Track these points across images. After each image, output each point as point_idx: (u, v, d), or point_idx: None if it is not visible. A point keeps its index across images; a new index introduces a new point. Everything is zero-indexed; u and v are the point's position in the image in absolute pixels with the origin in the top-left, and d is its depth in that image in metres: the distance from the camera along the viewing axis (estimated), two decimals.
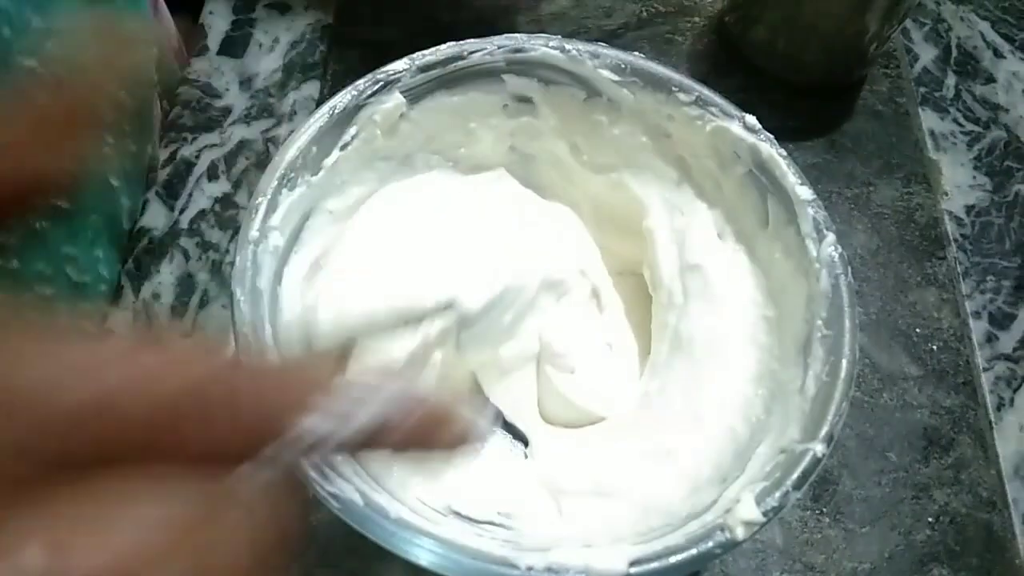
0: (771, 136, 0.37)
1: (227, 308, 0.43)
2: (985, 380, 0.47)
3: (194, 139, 0.48)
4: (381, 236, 0.39)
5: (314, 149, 0.36)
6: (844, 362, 0.33)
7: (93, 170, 0.40)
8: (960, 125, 0.56)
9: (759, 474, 0.31)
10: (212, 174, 0.47)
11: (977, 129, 0.56)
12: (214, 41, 0.52)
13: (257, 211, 0.34)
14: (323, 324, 0.36)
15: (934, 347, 0.47)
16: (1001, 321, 0.49)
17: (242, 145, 0.48)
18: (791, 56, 0.54)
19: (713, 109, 0.38)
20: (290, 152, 0.35)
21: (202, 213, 0.46)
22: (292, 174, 0.35)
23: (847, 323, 0.33)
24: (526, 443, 0.40)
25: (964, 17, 0.61)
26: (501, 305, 0.37)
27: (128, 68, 0.38)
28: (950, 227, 0.52)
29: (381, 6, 0.55)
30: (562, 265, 0.41)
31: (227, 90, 0.50)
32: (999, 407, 0.46)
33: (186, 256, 0.45)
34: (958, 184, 0.53)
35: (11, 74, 0.32)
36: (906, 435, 0.44)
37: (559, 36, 0.39)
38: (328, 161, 0.37)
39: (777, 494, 0.30)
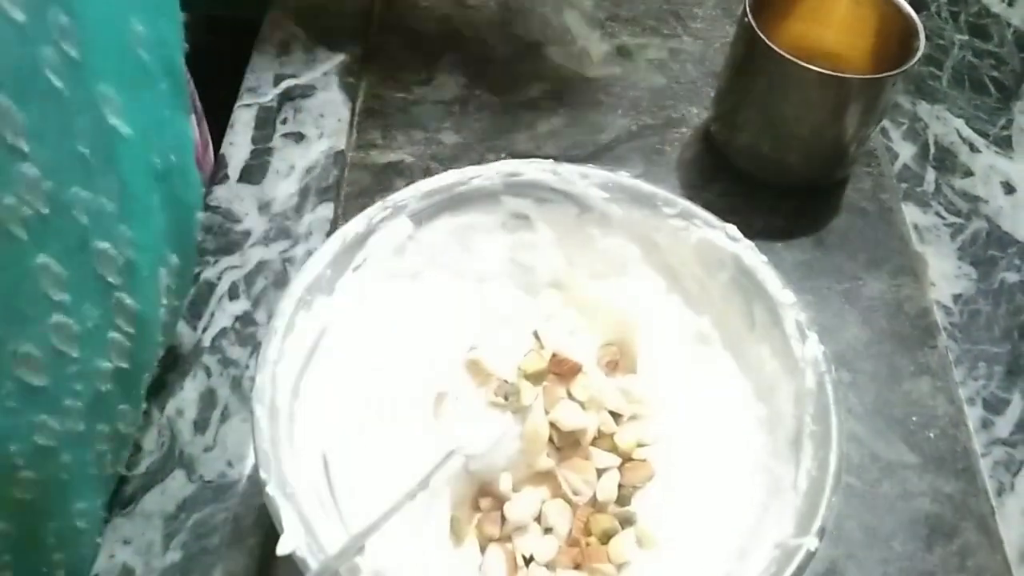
0: (752, 244, 0.40)
1: (247, 422, 0.45)
2: (984, 465, 0.48)
3: (216, 261, 0.52)
4: (391, 348, 0.42)
5: (328, 272, 0.39)
6: (832, 456, 0.34)
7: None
8: (942, 218, 0.59)
9: (756, 571, 0.33)
10: (233, 294, 0.50)
11: (959, 221, 0.59)
12: (234, 170, 0.56)
13: (276, 333, 0.37)
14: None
15: (931, 434, 0.48)
16: (996, 406, 0.50)
17: (261, 266, 0.52)
18: (775, 160, 0.57)
19: (697, 221, 0.41)
20: (306, 277, 0.38)
21: (223, 331, 0.49)
22: (308, 297, 0.38)
23: (833, 419, 0.35)
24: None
25: (939, 116, 0.65)
26: (506, 438, 0.39)
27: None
28: (939, 316, 0.53)
29: (390, 131, 0.59)
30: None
31: (247, 215, 0.54)
32: (1000, 492, 0.47)
33: (208, 373, 0.47)
34: (944, 274, 0.56)
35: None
36: (909, 523, 0.45)
37: (551, 159, 0.43)
38: (341, 282, 0.40)
39: None
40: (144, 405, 0.43)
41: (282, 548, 0.31)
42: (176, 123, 0.42)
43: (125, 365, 0.38)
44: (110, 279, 0.36)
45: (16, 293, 0.29)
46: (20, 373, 0.30)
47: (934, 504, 0.46)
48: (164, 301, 0.42)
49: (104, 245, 0.35)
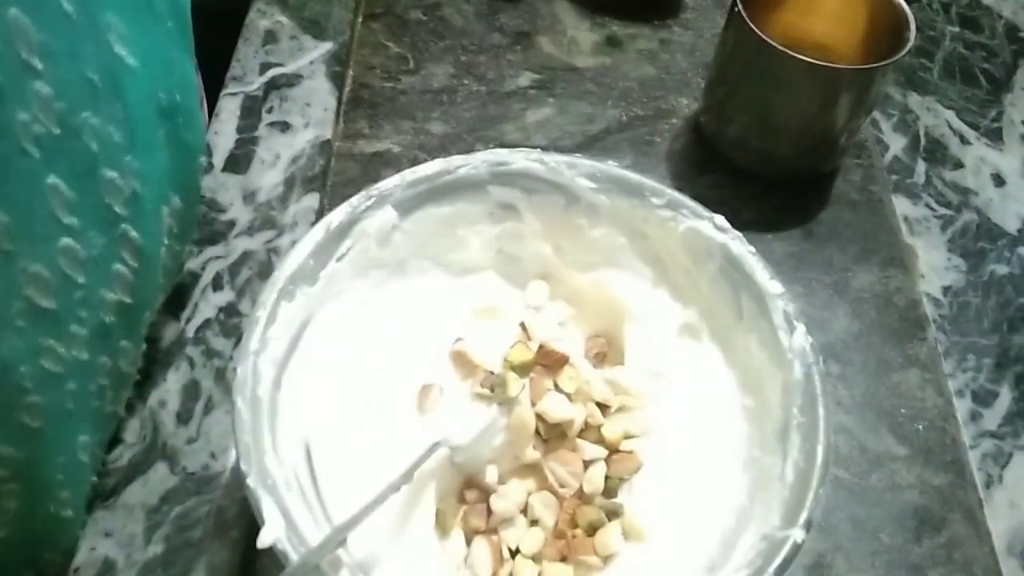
0: (740, 234, 0.39)
1: (230, 414, 0.45)
2: (972, 458, 0.47)
3: (200, 252, 0.51)
4: (375, 339, 0.41)
5: (311, 262, 0.39)
6: (819, 448, 0.34)
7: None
8: (932, 209, 0.59)
9: (743, 562, 0.32)
10: (217, 284, 0.50)
11: (949, 213, 0.58)
12: (219, 159, 0.55)
13: (258, 323, 0.36)
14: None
15: (920, 427, 0.48)
16: (984, 399, 0.50)
17: (245, 256, 0.51)
18: (765, 151, 0.57)
19: (684, 211, 0.40)
20: (289, 266, 0.38)
21: (207, 322, 0.48)
22: (291, 287, 0.38)
23: (820, 410, 0.35)
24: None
25: (930, 107, 0.64)
26: (491, 430, 0.39)
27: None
28: (929, 308, 0.53)
29: (377, 121, 0.59)
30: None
31: (231, 204, 0.53)
32: (988, 484, 0.47)
33: (191, 364, 0.47)
34: (934, 266, 0.55)
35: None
36: (897, 516, 0.45)
37: (538, 149, 0.42)
38: (325, 272, 0.40)
39: None
40: (143, 346, 0.43)
41: (262, 540, 0.31)
42: (181, 64, 0.43)
43: (127, 299, 0.38)
44: (116, 209, 0.36)
45: (28, 211, 0.30)
46: (29, 293, 0.31)
47: (922, 496, 0.46)
48: (166, 241, 0.42)
49: (111, 174, 0.35)
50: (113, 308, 0.38)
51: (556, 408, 0.39)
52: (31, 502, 0.35)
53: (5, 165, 0.29)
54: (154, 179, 0.40)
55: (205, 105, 0.56)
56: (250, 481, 0.32)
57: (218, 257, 0.51)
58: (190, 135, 0.44)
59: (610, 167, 0.42)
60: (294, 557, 0.31)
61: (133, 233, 0.38)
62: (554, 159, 0.42)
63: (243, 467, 0.32)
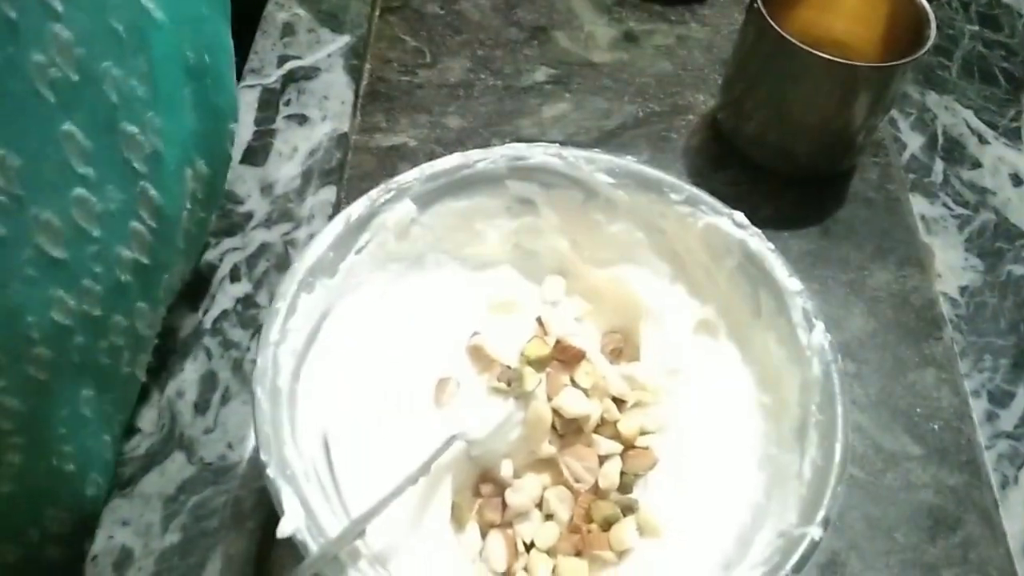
0: (759, 231, 0.39)
1: (248, 404, 0.45)
2: (988, 458, 0.47)
3: (217, 243, 0.51)
4: (393, 332, 0.42)
5: (331, 254, 0.39)
6: (837, 446, 0.34)
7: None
8: (950, 209, 0.58)
9: (760, 560, 0.32)
10: (234, 276, 0.50)
11: (966, 212, 0.58)
12: (237, 151, 0.55)
13: (277, 314, 0.36)
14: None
15: (935, 426, 0.48)
16: (1000, 399, 0.50)
17: (263, 248, 0.51)
18: (782, 148, 0.56)
19: (703, 207, 0.40)
20: (308, 258, 0.38)
21: (224, 313, 0.49)
22: (310, 279, 0.38)
23: (839, 408, 0.35)
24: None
25: (948, 106, 0.64)
26: (508, 424, 0.39)
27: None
28: (945, 308, 0.53)
29: (394, 114, 0.59)
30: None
31: (249, 196, 0.53)
32: (1003, 485, 0.46)
33: (209, 355, 0.47)
34: (951, 266, 0.55)
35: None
36: (912, 515, 0.45)
37: (557, 144, 0.42)
38: (344, 265, 0.40)
39: None
40: (163, 310, 0.43)
41: (282, 530, 0.31)
42: (213, 23, 0.42)
43: (145, 260, 0.38)
44: (136, 165, 0.36)
45: (41, 156, 0.30)
46: (40, 241, 0.30)
47: (937, 496, 0.45)
48: (189, 205, 0.42)
49: (132, 128, 0.35)
50: (129, 267, 0.37)
51: (572, 403, 0.39)
52: (35, 456, 0.35)
53: (18, 106, 0.28)
54: (178, 140, 0.39)
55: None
56: (270, 471, 0.32)
57: (235, 249, 0.51)
58: (219, 98, 0.43)
59: (629, 162, 0.42)
60: (313, 547, 0.31)
61: (153, 192, 0.37)
62: (573, 154, 0.42)
63: (263, 457, 0.33)
